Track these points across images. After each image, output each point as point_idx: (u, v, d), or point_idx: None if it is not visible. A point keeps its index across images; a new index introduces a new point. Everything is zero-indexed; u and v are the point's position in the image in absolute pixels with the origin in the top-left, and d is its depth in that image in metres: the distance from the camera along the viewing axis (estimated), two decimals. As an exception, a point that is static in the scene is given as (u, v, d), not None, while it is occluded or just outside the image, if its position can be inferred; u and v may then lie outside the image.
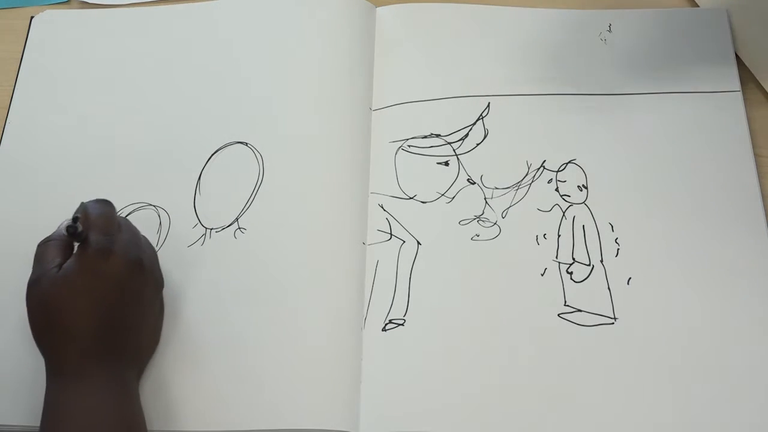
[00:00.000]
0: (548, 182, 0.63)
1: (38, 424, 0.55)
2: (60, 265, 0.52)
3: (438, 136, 0.65)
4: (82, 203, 0.55)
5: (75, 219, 0.52)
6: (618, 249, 0.60)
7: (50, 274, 0.52)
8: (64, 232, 0.53)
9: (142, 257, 0.54)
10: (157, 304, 0.58)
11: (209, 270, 0.60)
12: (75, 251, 0.53)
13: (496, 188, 0.63)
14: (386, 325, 0.59)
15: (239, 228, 0.62)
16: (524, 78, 0.68)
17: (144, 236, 0.58)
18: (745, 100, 0.66)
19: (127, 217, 0.61)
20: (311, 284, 0.59)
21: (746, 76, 0.67)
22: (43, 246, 0.55)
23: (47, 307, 0.52)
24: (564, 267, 0.60)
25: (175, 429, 0.55)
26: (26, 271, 0.60)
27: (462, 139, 0.65)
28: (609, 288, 0.59)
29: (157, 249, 0.61)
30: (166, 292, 0.59)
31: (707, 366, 0.56)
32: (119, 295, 0.52)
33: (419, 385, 0.56)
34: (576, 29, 0.70)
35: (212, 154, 0.65)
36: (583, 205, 0.62)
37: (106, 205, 0.55)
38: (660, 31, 0.69)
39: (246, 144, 0.65)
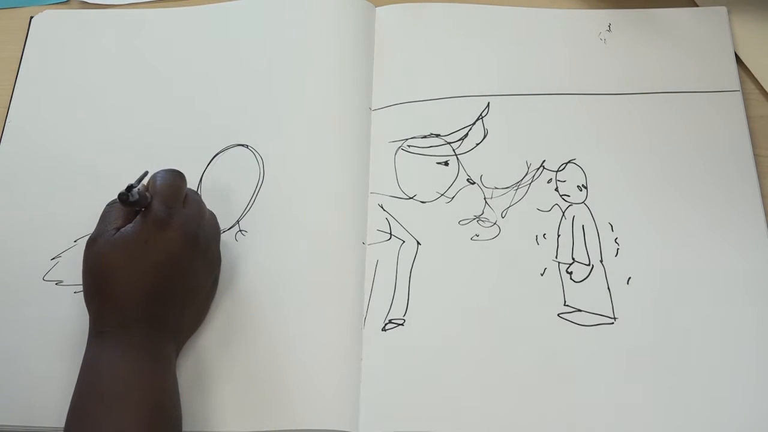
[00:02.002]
0: (548, 182, 0.63)
1: (38, 424, 0.56)
2: (119, 229, 0.53)
3: (438, 136, 0.65)
4: (146, 172, 0.56)
5: (129, 187, 0.52)
6: (618, 249, 0.61)
7: (108, 235, 0.53)
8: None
9: (198, 234, 0.54)
10: (208, 284, 0.58)
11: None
12: (136, 218, 0.53)
13: (496, 188, 0.63)
14: (386, 325, 0.59)
15: (240, 230, 0.62)
16: (524, 78, 0.68)
17: (212, 213, 0.58)
18: (745, 100, 0.66)
19: None
20: (311, 285, 0.59)
21: (746, 76, 0.67)
22: (110, 207, 0.55)
23: (99, 268, 0.52)
24: (564, 267, 0.60)
25: (175, 429, 0.55)
26: (26, 271, 0.61)
27: (462, 139, 0.65)
28: (609, 288, 0.59)
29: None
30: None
31: (707, 366, 0.56)
32: (168, 269, 0.53)
33: (419, 385, 0.56)
34: (576, 29, 0.70)
35: (213, 157, 0.65)
36: (582, 205, 0.62)
37: (174, 175, 0.56)
38: (660, 30, 0.69)
39: (246, 146, 0.65)
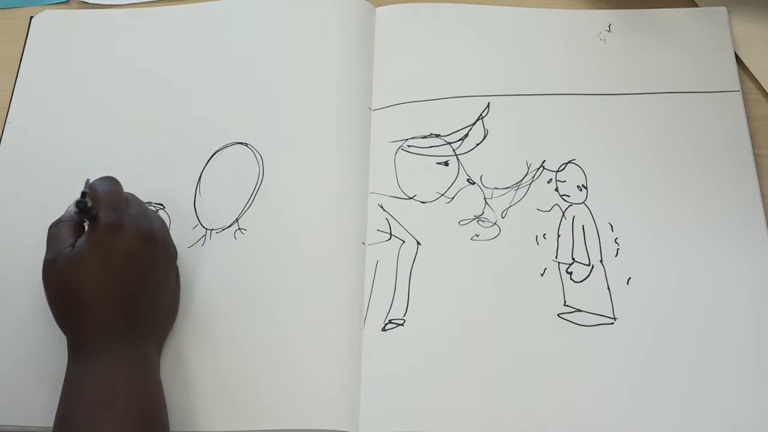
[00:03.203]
0: (548, 182, 0.63)
1: (39, 424, 0.55)
2: (73, 245, 0.53)
3: (438, 136, 0.65)
4: (88, 180, 0.55)
5: (83, 194, 0.52)
6: (618, 249, 0.61)
7: (65, 253, 0.52)
8: (74, 210, 0.53)
9: (153, 229, 0.55)
10: (172, 275, 0.58)
11: (209, 271, 0.60)
12: (86, 230, 0.53)
13: (496, 188, 0.63)
14: (386, 325, 0.59)
15: (239, 229, 0.62)
16: (524, 78, 0.68)
17: (152, 209, 0.58)
18: (745, 100, 0.66)
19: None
20: (311, 284, 0.59)
21: (746, 76, 0.67)
22: (55, 227, 0.55)
23: (65, 286, 0.52)
24: (564, 267, 0.60)
25: (174, 429, 0.55)
26: (26, 271, 0.61)
27: (462, 139, 0.65)
28: (609, 288, 0.59)
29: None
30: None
31: (707, 366, 0.56)
32: (133, 268, 0.53)
33: (419, 385, 0.56)
34: (576, 29, 0.70)
35: (212, 155, 0.65)
36: (582, 205, 0.62)
37: (112, 181, 0.56)
38: (659, 30, 0.69)
39: (246, 144, 0.65)
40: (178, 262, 0.59)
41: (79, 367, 0.52)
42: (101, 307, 0.51)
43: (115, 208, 0.53)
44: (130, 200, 0.56)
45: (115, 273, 0.52)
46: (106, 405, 0.50)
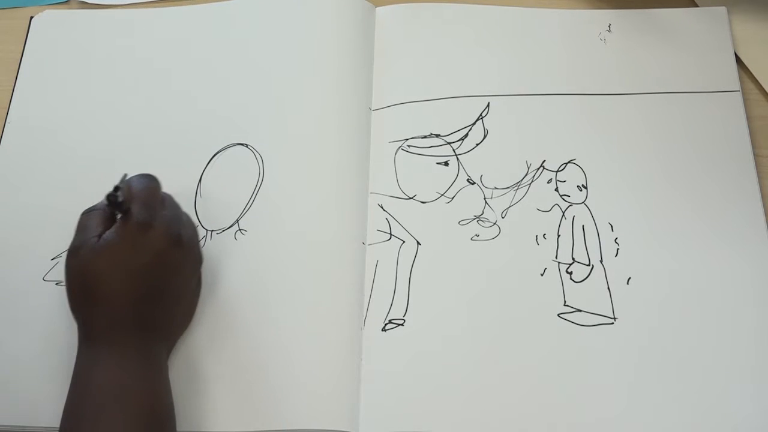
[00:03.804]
0: (548, 182, 0.63)
1: (38, 424, 0.56)
2: (100, 235, 0.52)
3: (438, 136, 0.65)
4: (126, 176, 0.55)
5: (116, 188, 0.52)
6: (618, 249, 0.61)
7: (90, 243, 0.52)
8: (104, 202, 0.53)
9: (181, 233, 0.55)
10: (194, 282, 0.58)
11: (210, 271, 0.60)
12: (116, 223, 0.53)
13: (496, 188, 0.63)
14: (386, 325, 0.59)
15: (240, 229, 0.62)
16: (524, 78, 0.68)
17: (186, 213, 0.58)
18: (745, 100, 0.66)
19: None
20: (311, 284, 0.59)
21: (746, 76, 0.68)
22: (86, 215, 0.55)
23: (85, 276, 0.52)
24: (564, 267, 0.60)
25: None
26: (26, 271, 0.61)
27: (462, 139, 0.65)
28: (609, 288, 0.59)
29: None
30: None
31: (707, 366, 0.56)
32: (156, 269, 0.53)
33: (419, 385, 0.56)
34: (576, 29, 0.70)
35: (213, 156, 0.65)
36: (582, 205, 0.62)
37: (150, 179, 0.56)
38: (659, 30, 0.69)
39: (246, 145, 0.65)
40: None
41: (89, 358, 0.52)
42: (116, 302, 0.51)
43: (148, 206, 0.53)
44: (166, 201, 0.56)
45: (136, 272, 0.52)
46: (116, 400, 0.50)
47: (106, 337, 0.51)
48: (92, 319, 0.52)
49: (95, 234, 0.53)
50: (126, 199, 0.53)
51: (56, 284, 0.60)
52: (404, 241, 0.62)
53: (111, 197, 0.52)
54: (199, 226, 0.62)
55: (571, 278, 0.60)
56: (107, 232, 0.52)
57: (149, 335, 0.53)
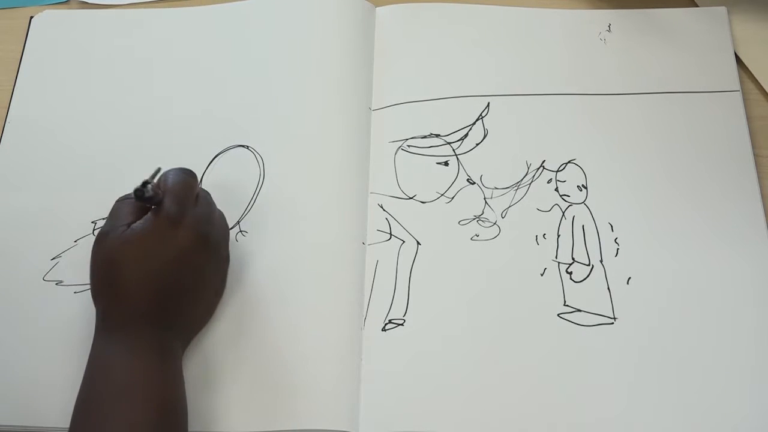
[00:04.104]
0: (548, 182, 0.63)
1: (38, 424, 0.55)
2: (130, 224, 0.53)
3: (437, 136, 0.65)
4: (159, 170, 0.56)
5: (144, 183, 0.52)
6: (618, 249, 0.61)
7: (119, 231, 0.52)
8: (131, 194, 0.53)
9: (209, 234, 0.55)
10: (218, 281, 0.58)
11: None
12: (147, 214, 0.53)
13: (496, 188, 0.63)
14: (386, 325, 0.59)
15: (240, 231, 0.62)
16: (524, 78, 0.68)
17: (221, 212, 0.58)
18: (745, 100, 0.66)
19: None
20: (311, 284, 0.59)
21: (746, 76, 0.68)
22: (120, 203, 0.55)
23: (109, 263, 0.52)
24: (564, 267, 0.60)
25: (175, 429, 0.55)
26: (26, 271, 0.61)
27: (461, 139, 0.65)
28: (609, 288, 0.59)
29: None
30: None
31: (707, 366, 0.56)
32: (178, 267, 0.53)
33: (419, 385, 0.56)
34: (576, 29, 0.70)
35: (214, 157, 0.65)
36: (582, 205, 0.62)
37: (186, 174, 0.56)
38: (659, 30, 0.69)
39: (247, 147, 0.65)
40: None
41: (105, 347, 0.52)
42: (136, 293, 0.52)
43: (180, 202, 0.53)
44: (201, 198, 0.56)
45: (160, 266, 0.52)
46: (129, 391, 0.50)
47: (123, 328, 0.52)
48: (110, 309, 0.52)
49: (125, 222, 0.53)
50: (159, 192, 0.53)
51: (56, 284, 0.60)
52: (404, 241, 0.62)
53: (138, 191, 0.52)
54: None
55: (571, 278, 0.60)
56: (137, 223, 0.53)
57: (166, 331, 0.53)
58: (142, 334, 0.52)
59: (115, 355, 0.51)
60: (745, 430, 0.54)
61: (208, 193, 0.58)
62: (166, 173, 0.56)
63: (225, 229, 0.58)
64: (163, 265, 0.52)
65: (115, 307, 0.52)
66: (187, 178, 0.56)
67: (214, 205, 0.58)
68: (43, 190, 0.64)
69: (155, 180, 0.55)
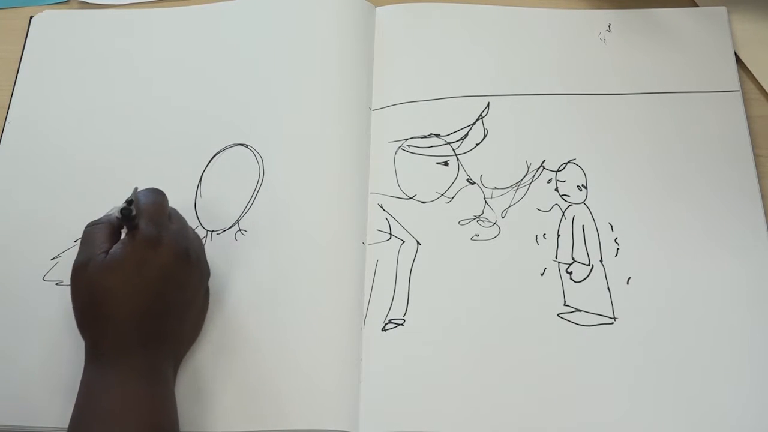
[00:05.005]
0: (548, 182, 0.63)
1: (38, 424, 0.55)
2: (107, 251, 0.52)
3: (437, 136, 0.65)
4: (136, 189, 0.55)
5: (129, 202, 0.52)
6: (618, 249, 0.61)
7: (98, 258, 0.52)
8: (115, 215, 0.53)
9: (189, 249, 0.54)
10: (201, 295, 0.58)
11: (210, 271, 0.60)
12: (123, 237, 0.53)
13: (496, 188, 0.63)
14: (386, 325, 0.59)
15: (240, 230, 0.62)
16: (524, 78, 0.68)
17: (192, 227, 0.58)
18: (745, 100, 0.66)
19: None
20: (311, 284, 0.59)
21: (746, 76, 0.68)
22: (91, 229, 0.54)
23: (92, 293, 0.52)
24: (564, 267, 0.60)
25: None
26: (26, 271, 0.61)
27: (461, 139, 0.65)
28: (609, 288, 0.59)
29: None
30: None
31: (706, 365, 0.56)
32: (164, 285, 0.52)
33: (419, 384, 0.56)
34: (576, 29, 0.70)
35: (213, 156, 0.65)
36: (582, 205, 0.62)
37: (157, 194, 0.55)
38: (660, 30, 0.69)
39: (246, 146, 0.65)
40: None
41: (96, 375, 0.51)
42: (126, 319, 0.51)
43: (156, 221, 0.53)
44: (173, 216, 0.56)
45: (145, 288, 0.51)
46: (121, 417, 0.49)
47: (114, 355, 0.51)
48: (99, 336, 0.52)
49: (102, 249, 0.52)
50: (135, 214, 0.52)
51: (56, 284, 0.60)
52: (404, 241, 0.62)
53: (125, 211, 0.51)
54: (199, 226, 0.62)
55: (571, 278, 0.60)
56: (114, 247, 0.52)
57: (157, 352, 0.53)
58: (133, 360, 0.51)
59: (106, 383, 0.51)
60: (744, 430, 0.54)
61: (177, 211, 0.57)
62: (136, 195, 0.55)
63: (201, 243, 0.58)
64: (149, 286, 0.52)
65: (105, 337, 0.51)
66: (158, 197, 0.55)
67: (186, 220, 0.57)
68: (43, 189, 0.64)
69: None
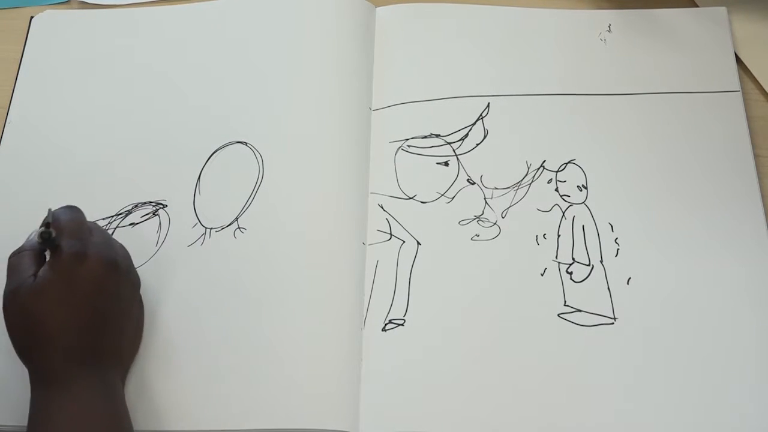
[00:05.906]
0: (548, 182, 0.63)
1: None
2: (35, 275, 0.51)
3: (438, 136, 0.65)
4: (50, 210, 0.54)
5: (47, 225, 0.52)
6: (618, 249, 0.61)
7: (27, 284, 0.51)
8: (35, 240, 0.52)
9: (116, 258, 0.54)
10: (136, 305, 0.58)
11: (209, 270, 0.60)
12: (48, 259, 0.52)
13: (496, 188, 0.63)
14: (386, 325, 0.59)
15: (239, 228, 0.62)
16: (524, 78, 0.68)
17: (114, 238, 0.58)
18: (745, 100, 0.66)
19: (128, 216, 0.62)
20: (311, 284, 0.59)
21: (746, 76, 0.68)
22: (16, 257, 0.54)
23: (27, 318, 0.51)
24: (564, 267, 0.60)
25: (175, 429, 0.55)
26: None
27: (462, 139, 0.65)
28: (609, 288, 0.59)
29: (156, 249, 0.61)
30: (168, 292, 0.59)
31: (707, 366, 0.56)
32: (98, 298, 0.52)
33: (419, 385, 0.56)
34: (576, 29, 0.70)
35: (212, 154, 0.65)
36: (582, 205, 0.62)
37: (74, 210, 0.55)
38: (660, 31, 0.69)
39: (246, 144, 0.65)
40: (173, 271, 0.59)
41: (46, 400, 0.51)
42: (66, 337, 0.51)
43: (77, 237, 0.52)
44: (94, 229, 0.55)
45: (80, 303, 0.51)
46: None
47: (58, 375, 0.51)
48: (42, 360, 0.51)
49: (29, 274, 0.51)
50: (55, 235, 0.52)
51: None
52: (404, 241, 0.62)
53: (44, 234, 0.51)
54: (198, 224, 0.62)
55: (571, 278, 0.60)
56: (42, 270, 0.51)
57: (100, 365, 0.52)
58: (78, 380, 0.51)
59: (55, 407, 0.50)
60: (745, 430, 0.54)
61: (98, 224, 0.57)
62: (53, 215, 0.54)
63: (127, 253, 0.57)
64: (83, 301, 0.51)
65: (46, 360, 0.51)
66: (75, 214, 0.54)
67: (108, 233, 0.57)
68: (43, 189, 0.65)
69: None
